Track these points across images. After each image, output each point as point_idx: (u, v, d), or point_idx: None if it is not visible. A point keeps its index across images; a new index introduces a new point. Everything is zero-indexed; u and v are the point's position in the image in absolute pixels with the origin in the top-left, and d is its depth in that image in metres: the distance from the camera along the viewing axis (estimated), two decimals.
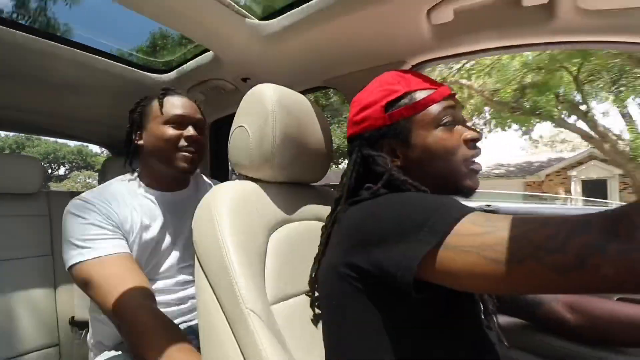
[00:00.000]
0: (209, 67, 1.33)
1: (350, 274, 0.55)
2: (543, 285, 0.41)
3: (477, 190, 0.67)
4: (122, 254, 0.91)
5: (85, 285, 0.87)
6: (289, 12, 0.98)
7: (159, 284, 1.00)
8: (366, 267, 0.52)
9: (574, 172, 13.83)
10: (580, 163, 13.73)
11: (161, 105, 1.03)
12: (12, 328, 1.33)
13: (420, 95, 0.66)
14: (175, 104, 1.04)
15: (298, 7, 0.95)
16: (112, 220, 0.94)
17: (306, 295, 0.73)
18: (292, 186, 0.86)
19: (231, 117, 0.83)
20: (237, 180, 0.80)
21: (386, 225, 0.51)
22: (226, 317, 0.62)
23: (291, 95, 0.81)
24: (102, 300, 0.84)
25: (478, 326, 0.61)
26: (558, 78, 7.98)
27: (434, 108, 0.65)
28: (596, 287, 0.37)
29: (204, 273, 0.67)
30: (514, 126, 9.95)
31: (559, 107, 8.89)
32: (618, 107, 9.34)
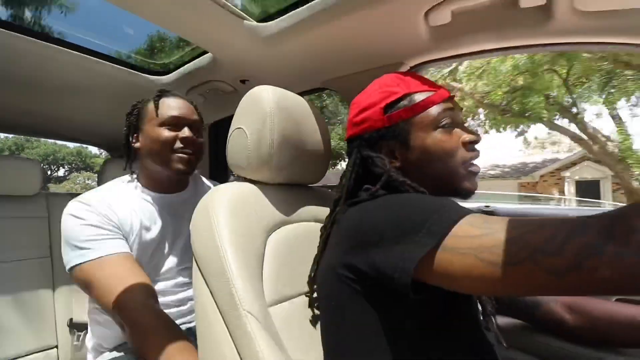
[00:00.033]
0: (208, 69, 1.33)
1: (348, 275, 0.55)
2: (540, 288, 0.41)
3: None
4: (123, 253, 0.91)
5: (87, 286, 0.87)
6: (287, 14, 0.98)
7: (158, 286, 1.00)
8: (364, 269, 0.52)
9: (567, 173, 13.96)
10: (573, 164, 13.84)
11: (156, 107, 1.03)
12: (11, 330, 1.33)
13: (419, 97, 0.66)
14: (171, 106, 1.04)
15: (296, 9, 0.95)
16: (112, 220, 0.94)
17: (305, 295, 0.73)
18: (290, 188, 0.86)
19: (230, 118, 0.83)
20: (235, 182, 0.80)
21: (384, 227, 0.51)
22: (223, 319, 0.62)
23: (289, 96, 0.81)
24: (104, 301, 0.84)
25: (476, 327, 0.61)
26: (547, 81, 8.12)
27: (433, 110, 0.66)
28: (593, 290, 0.37)
29: (202, 275, 0.67)
30: (509, 128, 10.04)
31: (549, 110, 9.01)
32: (608, 109, 9.48)
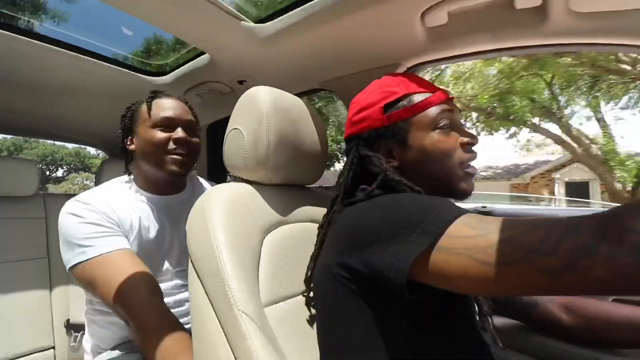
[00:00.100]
0: (205, 69, 1.33)
1: (344, 275, 0.55)
2: (535, 288, 0.41)
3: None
4: (124, 249, 0.91)
5: (90, 284, 0.86)
6: (284, 15, 0.98)
7: None
8: (360, 268, 0.53)
9: (557, 175, 14.11)
10: (563, 166, 13.97)
11: (149, 108, 1.02)
12: (8, 331, 1.32)
13: (418, 98, 0.67)
14: (163, 107, 1.03)
15: (293, 9, 0.96)
16: (111, 218, 0.94)
17: (302, 295, 0.73)
18: (287, 188, 0.86)
19: (228, 119, 0.83)
20: (231, 183, 0.80)
21: (380, 227, 0.52)
22: (218, 319, 0.62)
23: (286, 97, 0.82)
24: (109, 299, 0.83)
25: (473, 327, 0.61)
26: (532, 84, 8.30)
27: (432, 111, 0.66)
28: (587, 289, 0.38)
29: (197, 275, 0.67)
30: (501, 130, 10.20)
31: (533, 113, 9.24)
32: (593, 112, 9.73)
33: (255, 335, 0.58)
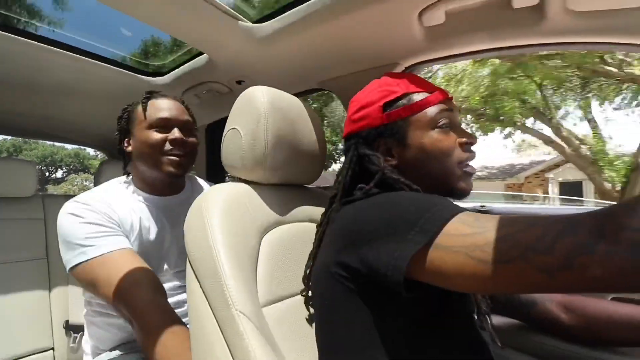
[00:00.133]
0: (203, 70, 1.33)
1: (342, 273, 0.55)
2: (532, 285, 0.41)
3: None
4: (125, 249, 0.90)
5: (91, 284, 0.86)
6: (282, 15, 0.98)
7: None
8: (357, 267, 0.53)
9: (551, 175, 14.22)
10: (557, 166, 14.06)
11: (144, 109, 1.02)
12: (7, 332, 1.32)
13: (418, 96, 0.67)
14: (159, 107, 1.02)
15: (291, 9, 0.96)
16: (112, 219, 0.94)
17: (300, 294, 0.73)
18: (285, 188, 0.86)
19: (226, 120, 0.83)
20: (229, 183, 0.80)
21: (377, 225, 0.52)
22: (216, 320, 0.62)
23: (284, 97, 0.82)
24: (111, 298, 0.83)
25: (471, 326, 0.61)
26: (523, 86, 8.37)
27: (431, 110, 0.66)
28: (584, 287, 0.37)
29: (195, 275, 0.67)
30: (497, 130, 10.35)
31: (524, 114, 9.36)
32: (584, 112, 9.85)
33: (253, 335, 0.58)
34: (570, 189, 13.20)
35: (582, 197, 12.48)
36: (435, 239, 0.46)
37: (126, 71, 1.39)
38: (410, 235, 0.47)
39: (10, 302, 1.36)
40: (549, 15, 0.80)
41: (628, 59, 6.80)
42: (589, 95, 8.78)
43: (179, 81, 1.44)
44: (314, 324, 0.68)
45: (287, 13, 0.97)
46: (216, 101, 1.54)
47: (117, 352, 0.99)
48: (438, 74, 8.92)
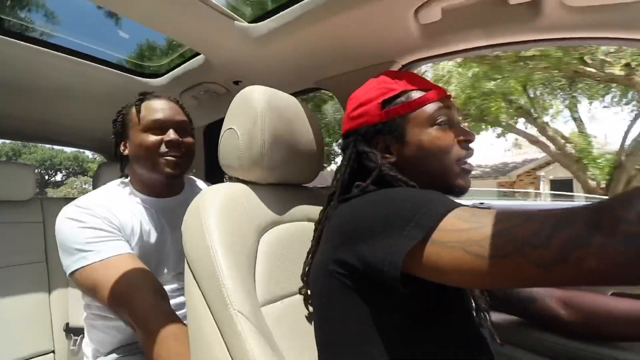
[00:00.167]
0: (200, 70, 1.32)
1: (339, 270, 0.56)
2: (529, 280, 0.41)
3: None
4: (126, 254, 0.89)
5: (92, 290, 0.85)
6: (277, 15, 0.98)
7: None
8: (354, 263, 0.53)
9: (542, 173, 14.38)
10: (548, 164, 14.17)
11: (138, 112, 1.00)
12: (7, 335, 1.32)
13: (416, 94, 0.67)
14: (153, 109, 1.01)
15: (286, 9, 0.96)
16: (112, 223, 0.93)
17: (299, 292, 0.73)
18: (283, 187, 0.86)
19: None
20: (227, 183, 0.80)
21: (373, 221, 0.52)
22: (215, 320, 0.62)
23: (280, 96, 0.81)
24: (112, 304, 0.82)
25: (469, 322, 0.61)
26: (508, 86, 8.55)
27: (430, 107, 0.67)
28: (581, 281, 0.37)
29: (193, 276, 0.67)
30: (490, 129, 10.57)
31: (509, 114, 9.54)
32: (570, 111, 10.13)
33: (251, 334, 0.57)
34: (561, 187, 13.36)
35: (572, 195, 12.68)
36: (432, 235, 0.46)
37: (123, 73, 1.38)
38: (406, 231, 0.47)
39: (10, 306, 1.36)
40: (545, 11, 0.80)
41: (609, 59, 6.93)
42: (576, 94, 9.00)
43: (176, 82, 1.44)
44: (312, 323, 0.68)
45: (282, 12, 0.97)
46: (214, 102, 1.54)
47: (118, 354, 0.99)
48: (427, 75, 9.07)
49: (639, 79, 7.02)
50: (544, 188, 14.17)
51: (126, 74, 1.39)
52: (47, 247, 1.52)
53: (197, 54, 1.28)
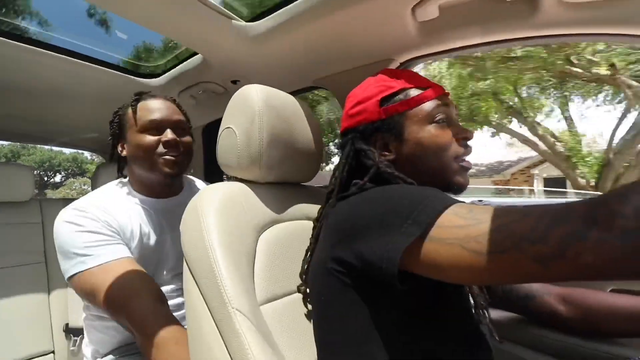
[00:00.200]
0: (198, 70, 1.32)
1: (337, 268, 0.56)
2: (527, 275, 0.41)
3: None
4: (125, 258, 0.89)
5: (90, 295, 0.84)
6: (274, 13, 0.98)
7: None
8: (352, 261, 0.53)
9: (536, 171, 14.54)
10: (541, 162, 14.24)
11: (134, 112, 0.99)
12: (7, 336, 1.33)
13: (415, 92, 0.68)
14: (149, 109, 1.00)
15: (283, 7, 0.95)
16: (111, 226, 0.92)
17: (298, 290, 0.73)
18: (281, 186, 0.86)
19: None
20: (225, 182, 0.80)
21: (371, 219, 0.52)
22: (213, 319, 0.62)
23: (278, 95, 0.81)
24: (111, 310, 0.82)
25: (468, 319, 0.61)
26: (500, 85, 8.66)
27: (428, 105, 0.67)
28: (578, 275, 0.37)
29: (192, 275, 0.67)
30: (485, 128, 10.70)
31: (500, 113, 9.72)
32: (561, 110, 10.28)
33: (250, 333, 0.57)
34: (555, 184, 13.48)
35: (565, 192, 12.84)
36: (429, 231, 0.46)
37: (121, 73, 1.38)
38: (404, 228, 0.47)
39: (9, 307, 1.36)
40: (542, 8, 0.80)
41: (596, 59, 7.01)
42: (567, 93, 9.14)
43: (174, 82, 1.44)
44: (311, 321, 0.69)
45: (279, 11, 0.97)
46: (212, 101, 1.54)
47: (117, 355, 0.98)
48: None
49: (624, 78, 7.14)
50: (538, 186, 14.33)
51: (124, 74, 1.39)
52: (46, 248, 1.52)
53: (195, 54, 1.27)
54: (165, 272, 1.03)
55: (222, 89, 1.44)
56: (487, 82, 8.37)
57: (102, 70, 1.32)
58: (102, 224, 0.90)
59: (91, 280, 0.84)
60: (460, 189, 0.67)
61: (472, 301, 0.66)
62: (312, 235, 0.72)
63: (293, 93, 1.03)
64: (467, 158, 0.69)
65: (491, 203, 1.32)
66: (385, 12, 0.88)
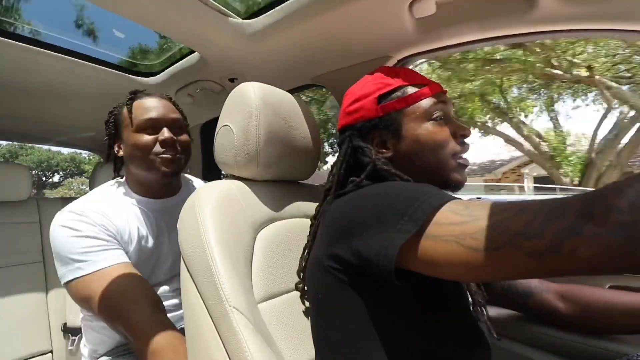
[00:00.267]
0: (195, 68, 1.32)
1: (334, 266, 0.55)
2: (523, 271, 0.41)
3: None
4: (122, 264, 0.87)
5: (86, 301, 0.83)
6: (271, 10, 0.97)
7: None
8: (349, 258, 0.53)
9: (526, 170, 14.70)
10: (531, 161, 14.33)
11: (130, 111, 0.97)
12: (5, 335, 1.33)
13: (412, 89, 0.68)
14: (145, 108, 0.98)
15: (281, 4, 0.95)
16: (109, 230, 0.90)
17: (295, 286, 0.73)
18: (279, 184, 0.86)
19: None
20: (222, 180, 0.79)
21: (367, 216, 0.52)
22: (211, 317, 0.62)
23: (276, 93, 0.81)
24: (108, 317, 0.81)
25: (466, 317, 0.61)
26: (486, 87, 8.83)
27: (425, 102, 0.67)
28: (574, 270, 0.37)
29: (189, 274, 0.67)
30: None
31: (485, 114, 9.93)
32: (547, 110, 10.58)
33: (247, 331, 0.57)
34: (544, 183, 13.66)
35: (554, 189, 13.04)
36: (426, 228, 0.46)
37: (118, 72, 1.38)
38: (400, 225, 0.47)
39: (7, 306, 1.36)
40: (539, 4, 0.79)
41: (577, 61, 7.19)
42: (553, 94, 9.41)
43: (171, 80, 1.43)
44: (309, 319, 0.68)
45: (277, 8, 0.96)
46: (210, 100, 1.53)
47: (115, 356, 0.98)
48: None
49: (604, 80, 7.35)
50: (528, 185, 14.52)
51: (121, 73, 1.39)
52: (44, 247, 1.52)
53: (192, 52, 1.27)
54: (163, 273, 1.02)
55: (220, 87, 1.43)
56: (475, 83, 8.50)
57: (99, 69, 1.32)
58: (99, 229, 0.89)
59: (88, 287, 0.83)
60: (457, 186, 0.67)
61: (470, 298, 0.66)
62: (309, 232, 0.72)
63: (291, 91, 1.03)
64: (465, 155, 0.69)
65: (489, 200, 1.32)
66: (382, 9, 0.88)
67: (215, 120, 1.72)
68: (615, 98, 7.93)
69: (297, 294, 0.73)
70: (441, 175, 0.66)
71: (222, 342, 0.59)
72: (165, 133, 0.96)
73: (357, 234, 0.51)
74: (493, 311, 0.88)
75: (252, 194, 0.77)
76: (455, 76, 7.98)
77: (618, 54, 7.00)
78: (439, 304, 0.57)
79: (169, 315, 0.95)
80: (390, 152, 0.68)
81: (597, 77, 7.30)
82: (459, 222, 0.44)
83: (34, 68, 1.23)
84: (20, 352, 1.34)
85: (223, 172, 0.86)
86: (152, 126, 0.97)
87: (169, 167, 0.97)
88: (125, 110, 0.99)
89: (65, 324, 1.46)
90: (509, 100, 9.79)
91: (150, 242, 0.99)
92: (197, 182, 1.25)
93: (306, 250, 0.72)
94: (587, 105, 10.52)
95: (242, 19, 1.03)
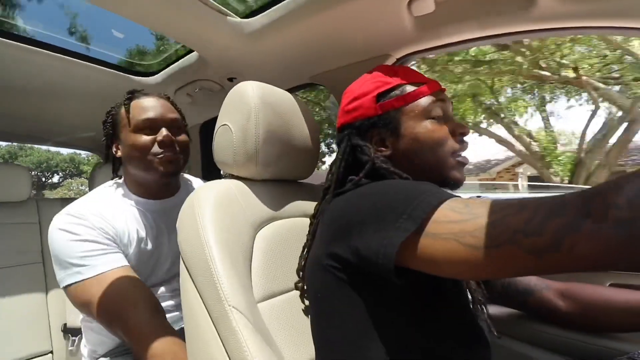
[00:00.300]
0: (194, 68, 1.32)
1: (333, 264, 0.55)
2: (523, 268, 0.41)
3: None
4: (121, 267, 0.87)
5: (86, 305, 0.82)
6: (270, 9, 0.97)
7: (154, 292, 0.98)
8: (348, 257, 0.52)
9: (520, 169, 14.75)
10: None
11: (127, 111, 0.96)
12: (5, 336, 1.33)
13: (411, 87, 0.68)
14: (143, 108, 0.96)
15: (279, 3, 0.95)
16: (108, 234, 0.90)
17: (295, 285, 0.73)
18: (278, 183, 0.85)
19: None
20: (221, 179, 0.79)
21: (366, 214, 0.51)
22: (210, 317, 0.61)
23: (275, 92, 0.81)
24: (107, 321, 0.81)
25: (466, 315, 0.61)
26: (477, 87, 8.86)
27: (424, 100, 0.67)
28: (574, 267, 0.37)
29: (189, 273, 0.67)
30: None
31: (477, 114, 9.98)
32: (538, 110, 10.71)
33: (247, 330, 0.57)
34: (538, 182, 13.74)
35: (548, 188, 13.16)
36: (425, 226, 0.45)
37: (117, 72, 1.38)
38: (399, 223, 0.46)
39: (7, 307, 1.36)
40: (538, 2, 0.79)
41: (565, 62, 7.25)
42: (545, 94, 9.50)
43: (170, 80, 1.43)
44: (309, 318, 0.68)
45: (275, 7, 0.96)
46: (209, 99, 1.53)
47: (114, 356, 0.98)
48: None
49: (592, 81, 7.43)
50: (522, 184, 14.62)
51: (119, 73, 1.38)
52: (43, 247, 1.52)
53: (191, 51, 1.27)
54: (162, 274, 1.02)
55: (219, 87, 1.43)
56: (463, 85, 8.55)
57: (97, 69, 1.31)
58: (98, 232, 0.88)
59: (88, 291, 0.82)
60: (456, 184, 0.67)
61: (469, 296, 0.66)
62: (308, 232, 0.72)
63: (290, 90, 1.02)
64: (464, 153, 0.69)
65: (489, 199, 1.32)
66: (381, 8, 0.88)
67: (214, 120, 1.72)
68: (603, 98, 8.01)
69: (297, 293, 0.73)
70: (440, 173, 0.66)
71: (221, 341, 0.59)
72: (164, 133, 0.95)
73: (356, 232, 0.51)
74: (493, 309, 0.88)
75: (252, 193, 0.77)
76: (441, 78, 8.05)
77: (606, 55, 7.06)
78: (438, 301, 0.57)
79: (168, 315, 0.95)
80: (389, 151, 0.68)
81: (584, 78, 7.41)
82: (458, 220, 0.44)
83: (32, 68, 1.23)
84: (20, 353, 1.34)
85: (222, 172, 0.86)
86: (150, 126, 0.96)
87: (167, 168, 0.96)
88: (122, 110, 0.98)
89: (65, 324, 1.46)
90: (500, 100, 9.90)
91: (150, 244, 0.98)
92: (196, 182, 1.24)
93: (305, 250, 0.72)
94: (580, 105, 10.67)
95: (241, 17, 1.03)
